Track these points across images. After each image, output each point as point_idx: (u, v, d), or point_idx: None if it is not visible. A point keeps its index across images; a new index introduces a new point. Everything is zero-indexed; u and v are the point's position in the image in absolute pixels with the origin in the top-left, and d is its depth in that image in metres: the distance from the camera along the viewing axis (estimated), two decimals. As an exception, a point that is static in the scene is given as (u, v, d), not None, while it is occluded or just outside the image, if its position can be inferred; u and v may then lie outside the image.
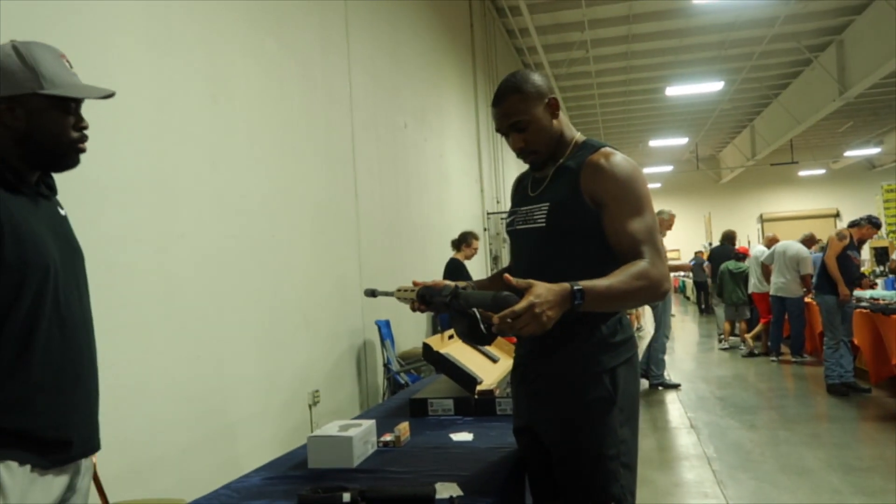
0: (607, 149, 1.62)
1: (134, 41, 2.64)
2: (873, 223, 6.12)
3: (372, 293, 1.83)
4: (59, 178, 1.45)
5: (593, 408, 1.57)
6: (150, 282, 2.65)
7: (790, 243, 7.56)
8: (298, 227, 3.92)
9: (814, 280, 6.43)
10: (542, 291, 1.33)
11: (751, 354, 8.44)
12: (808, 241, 7.74)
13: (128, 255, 2.54)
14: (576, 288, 1.37)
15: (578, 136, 1.71)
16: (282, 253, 3.71)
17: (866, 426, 4.97)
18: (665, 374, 6.84)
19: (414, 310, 1.70)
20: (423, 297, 1.64)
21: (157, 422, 2.64)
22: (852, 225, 6.24)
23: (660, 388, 6.70)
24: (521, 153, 1.69)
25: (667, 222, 6.68)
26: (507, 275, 1.39)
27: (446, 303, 1.56)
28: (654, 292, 1.50)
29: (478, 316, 1.48)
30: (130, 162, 2.58)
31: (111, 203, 2.47)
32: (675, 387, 6.72)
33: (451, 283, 1.76)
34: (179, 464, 2.74)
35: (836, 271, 5.92)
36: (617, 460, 1.56)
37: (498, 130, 1.70)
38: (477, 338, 1.52)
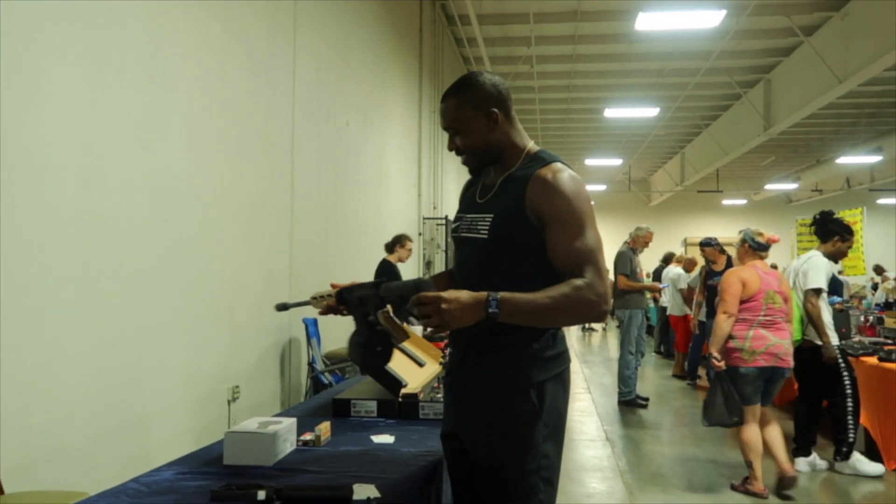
0: (557, 164, 1.61)
1: (67, 11, 2.52)
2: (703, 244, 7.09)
3: (283, 307, 1.80)
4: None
5: (518, 421, 1.57)
6: (67, 262, 2.53)
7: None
8: (230, 216, 3.82)
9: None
10: (456, 293, 1.44)
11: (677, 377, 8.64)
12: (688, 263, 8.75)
13: (46, 233, 2.42)
14: (491, 297, 1.43)
15: (531, 147, 1.70)
16: (211, 242, 3.61)
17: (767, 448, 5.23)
18: (634, 391, 6.63)
19: (324, 312, 1.71)
20: (342, 295, 1.65)
21: (64, 409, 2.52)
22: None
23: (623, 405, 6.56)
24: (456, 153, 1.72)
25: (643, 238, 6.77)
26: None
27: (366, 295, 1.58)
28: (587, 311, 1.52)
29: (380, 332, 1.55)
30: (54, 135, 2.47)
31: (31, 177, 2.35)
32: (643, 405, 6.57)
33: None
34: (85, 454, 2.62)
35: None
36: (538, 475, 1.57)
37: (442, 128, 1.74)
38: (367, 358, 1.57)
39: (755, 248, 4.24)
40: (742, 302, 3.97)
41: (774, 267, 12.50)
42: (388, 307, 1.57)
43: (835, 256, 4.50)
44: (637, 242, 6.76)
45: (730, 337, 3.95)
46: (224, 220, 3.76)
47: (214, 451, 1.83)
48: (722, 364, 3.98)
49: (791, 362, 3.98)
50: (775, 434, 4.01)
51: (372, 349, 1.57)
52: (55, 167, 2.47)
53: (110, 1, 2.75)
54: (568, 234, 1.55)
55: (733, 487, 4.12)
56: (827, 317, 4.37)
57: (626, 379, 6.63)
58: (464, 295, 1.44)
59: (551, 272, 1.57)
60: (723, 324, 3.96)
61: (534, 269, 1.59)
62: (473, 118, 1.65)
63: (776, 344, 3.90)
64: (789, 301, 4.11)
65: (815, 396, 4.49)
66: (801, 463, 4.52)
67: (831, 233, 4.49)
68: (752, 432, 3.94)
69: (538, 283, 1.58)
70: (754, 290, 3.97)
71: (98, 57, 2.69)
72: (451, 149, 1.72)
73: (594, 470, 4.54)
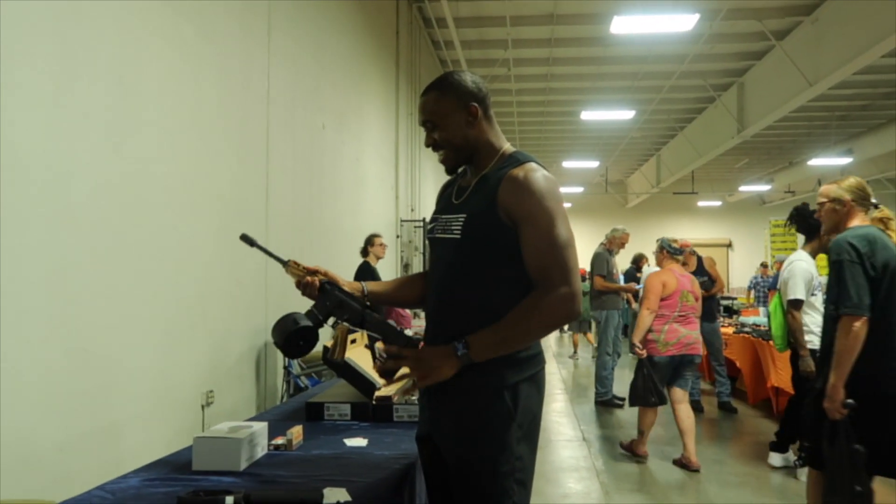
0: (530, 164, 1.61)
1: (35, 12, 2.48)
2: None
3: (249, 241, 1.79)
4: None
5: (491, 422, 1.56)
6: (36, 266, 2.49)
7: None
8: (204, 220, 3.79)
9: None
10: (428, 349, 1.57)
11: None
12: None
13: (14, 236, 2.37)
14: (456, 342, 1.52)
15: (507, 148, 1.71)
16: (184, 246, 3.57)
17: (741, 444, 5.31)
18: (610, 391, 6.68)
19: (297, 283, 1.72)
20: (326, 286, 1.66)
21: (33, 416, 2.48)
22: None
23: (600, 405, 6.62)
24: (433, 149, 1.72)
25: (619, 240, 6.79)
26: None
27: (349, 307, 1.62)
28: (556, 319, 1.54)
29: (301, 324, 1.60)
30: (20, 137, 2.42)
31: (-4, 181, 2.31)
32: (619, 405, 6.59)
33: (359, 284, 1.79)
34: (55, 462, 2.58)
35: None
36: (511, 477, 1.56)
37: (419, 123, 1.74)
38: (287, 343, 1.62)
39: (671, 252, 4.89)
40: (662, 300, 4.64)
41: (764, 266, 12.99)
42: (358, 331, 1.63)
43: (823, 252, 4.25)
44: (613, 244, 6.81)
45: (650, 330, 4.63)
46: (197, 223, 3.72)
47: (183, 457, 1.81)
48: (643, 352, 4.65)
49: (699, 350, 4.65)
50: (687, 414, 4.61)
51: (295, 340, 1.60)
52: (23, 170, 2.42)
53: (79, 2, 2.71)
54: (537, 235, 1.55)
55: (622, 446, 4.96)
56: (815, 318, 4.22)
57: (602, 379, 6.67)
58: (433, 348, 1.56)
59: (523, 272, 1.58)
60: (645, 318, 4.63)
61: (506, 269, 1.60)
62: (453, 112, 1.65)
63: (686, 335, 4.59)
64: (699, 299, 4.79)
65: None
66: (775, 458, 4.59)
67: (815, 228, 4.24)
68: (649, 410, 4.70)
69: (510, 283, 1.59)
70: (672, 290, 4.66)
71: (67, 59, 2.65)
72: (428, 144, 1.72)
73: (571, 470, 4.56)
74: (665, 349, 4.57)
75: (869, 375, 2.62)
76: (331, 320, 1.70)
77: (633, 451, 4.87)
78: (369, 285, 1.82)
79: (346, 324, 1.65)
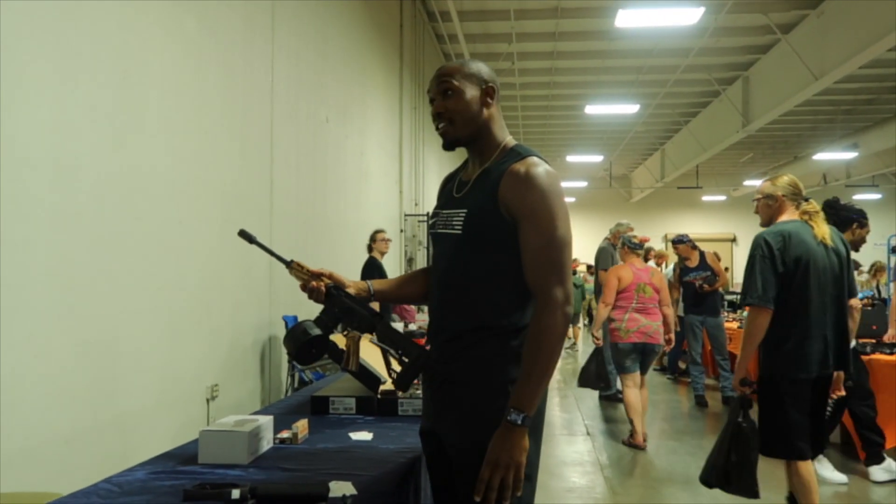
0: (532, 159, 1.59)
1: (38, 8, 2.48)
2: (675, 242, 7.01)
3: (249, 239, 1.78)
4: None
5: (495, 417, 1.54)
6: (40, 261, 2.49)
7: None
8: (208, 214, 3.79)
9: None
10: (491, 446, 1.47)
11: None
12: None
13: (18, 230, 2.38)
14: (508, 417, 1.47)
15: (509, 141, 1.69)
16: (188, 240, 3.58)
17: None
18: (615, 386, 6.48)
19: (301, 286, 1.71)
20: (332, 291, 1.66)
21: (38, 409, 2.49)
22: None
23: (604, 400, 6.60)
24: (438, 118, 1.68)
25: (623, 234, 6.81)
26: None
27: (357, 313, 1.62)
28: (564, 326, 1.52)
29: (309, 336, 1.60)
30: (26, 132, 2.42)
31: (2, 175, 2.30)
32: (620, 399, 6.52)
33: (366, 284, 1.78)
34: (60, 455, 2.58)
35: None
36: None
37: (429, 92, 1.71)
38: (299, 351, 1.62)
39: (632, 248, 5.19)
40: (619, 293, 4.99)
41: None
42: (367, 335, 1.63)
43: (855, 245, 3.93)
44: (617, 238, 6.79)
45: (612, 319, 5.00)
46: (201, 217, 3.72)
47: (189, 450, 1.81)
48: (600, 342, 5.22)
49: (660, 340, 4.94)
50: (643, 398, 4.99)
51: (307, 349, 1.61)
52: (27, 165, 2.43)
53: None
54: (536, 232, 1.54)
55: (623, 442, 5.03)
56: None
57: (607, 374, 6.65)
58: (493, 441, 1.48)
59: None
60: (602, 311, 5.10)
61: (507, 264, 1.59)
62: (473, 86, 1.64)
63: (646, 325, 4.92)
64: (661, 291, 5.06)
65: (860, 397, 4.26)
66: (878, 472, 4.24)
67: (848, 220, 4.00)
68: (632, 395, 4.92)
69: (512, 278, 1.58)
70: (627, 284, 5.00)
71: (70, 54, 2.65)
72: (437, 110, 1.67)
73: (575, 465, 4.56)
74: (627, 336, 4.91)
75: (784, 358, 2.92)
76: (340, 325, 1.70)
77: (633, 444, 4.94)
78: (375, 284, 1.82)
79: (356, 332, 1.65)
